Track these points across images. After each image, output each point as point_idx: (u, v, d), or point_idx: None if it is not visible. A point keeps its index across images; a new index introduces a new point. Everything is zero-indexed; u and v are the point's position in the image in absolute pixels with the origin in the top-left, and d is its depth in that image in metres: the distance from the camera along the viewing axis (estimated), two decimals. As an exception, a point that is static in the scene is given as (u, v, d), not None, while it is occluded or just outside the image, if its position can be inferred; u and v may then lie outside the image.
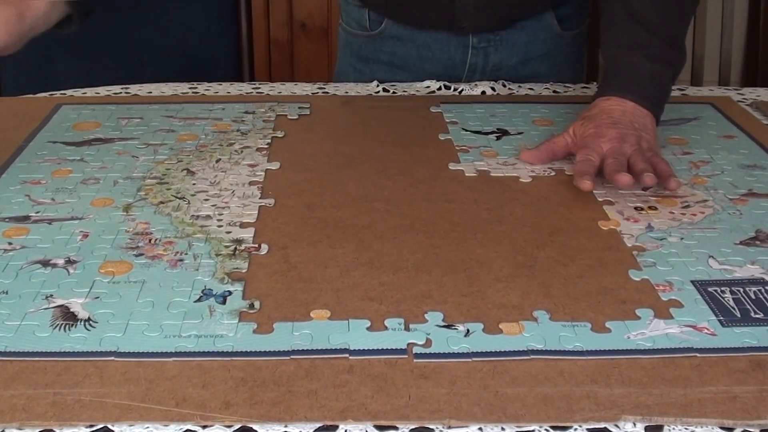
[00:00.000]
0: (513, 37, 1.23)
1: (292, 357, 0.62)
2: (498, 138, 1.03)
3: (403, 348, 0.63)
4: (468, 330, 0.65)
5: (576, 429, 0.56)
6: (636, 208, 0.86)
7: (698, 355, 0.63)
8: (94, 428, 0.55)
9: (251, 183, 0.90)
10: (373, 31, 1.26)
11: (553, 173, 0.94)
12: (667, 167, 0.90)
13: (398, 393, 0.58)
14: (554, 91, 1.21)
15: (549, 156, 0.96)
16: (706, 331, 0.66)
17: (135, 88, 1.21)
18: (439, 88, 1.21)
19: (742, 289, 0.71)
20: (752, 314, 0.68)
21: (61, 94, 1.18)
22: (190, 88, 1.21)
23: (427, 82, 1.22)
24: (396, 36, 1.24)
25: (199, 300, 0.69)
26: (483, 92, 1.19)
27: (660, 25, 0.98)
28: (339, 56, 1.35)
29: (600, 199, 0.87)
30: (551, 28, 1.25)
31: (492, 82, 1.21)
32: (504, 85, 1.21)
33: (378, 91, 1.20)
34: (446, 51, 1.23)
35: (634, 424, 0.56)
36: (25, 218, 0.82)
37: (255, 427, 0.56)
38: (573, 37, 1.28)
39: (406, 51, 1.25)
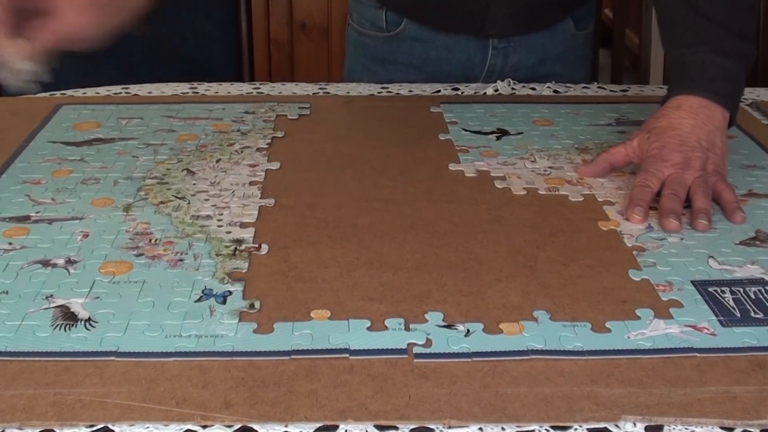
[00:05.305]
0: (532, 37, 1.23)
1: (292, 357, 0.62)
2: (498, 138, 1.03)
3: (404, 348, 0.63)
4: (468, 330, 0.65)
5: (576, 429, 0.56)
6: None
7: (698, 355, 0.63)
8: (94, 428, 0.55)
9: (251, 183, 0.90)
10: (389, 32, 1.24)
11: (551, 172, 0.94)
12: (732, 195, 0.85)
13: (398, 393, 0.58)
14: (555, 91, 1.21)
15: (607, 169, 0.92)
16: (706, 331, 0.66)
17: (135, 88, 1.21)
18: (444, 89, 1.21)
19: (742, 289, 0.71)
20: (752, 314, 0.68)
21: (61, 94, 1.18)
22: (190, 88, 1.21)
23: (437, 86, 1.21)
24: (415, 37, 1.23)
25: (199, 300, 0.69)
26: (485, 93, 1.19)
27: (727, 17, 0.91)
28: (349, 57, 1.33)
29: (600, 199, 0.87)
30: (567, 29, 1.25)
31: (499, 83, 1.21)
32: (509, 84, 1.21)
33: (379, 92, 1.20)
34: (466, 52, 1.22)
35: (634, 424, 0.56)
36: (25, 218, 0.82)
37: (255, 427, 0.56)
38: (584, 37, 1.28)
39: (425, 51, 1.23)
